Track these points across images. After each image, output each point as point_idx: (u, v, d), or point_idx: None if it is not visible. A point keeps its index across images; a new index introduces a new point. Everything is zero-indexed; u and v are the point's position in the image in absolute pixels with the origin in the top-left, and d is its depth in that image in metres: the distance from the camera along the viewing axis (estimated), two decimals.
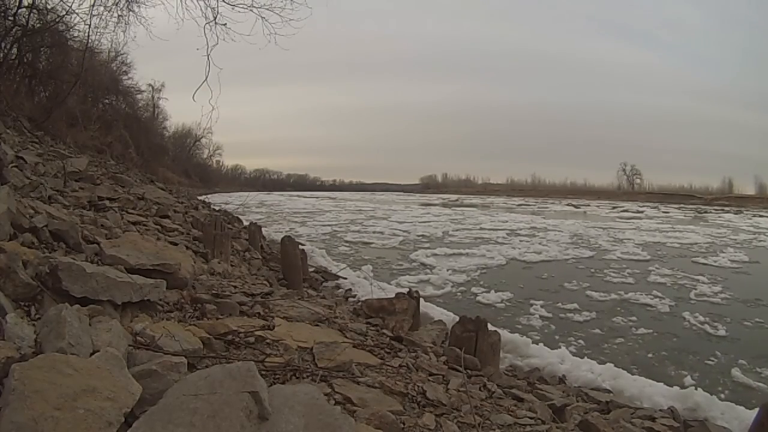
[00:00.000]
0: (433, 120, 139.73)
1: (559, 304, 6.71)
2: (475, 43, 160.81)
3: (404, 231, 16.00)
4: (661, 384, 3.80)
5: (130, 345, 1.75)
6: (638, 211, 31.88)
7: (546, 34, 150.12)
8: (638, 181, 68.73)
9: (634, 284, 8.18)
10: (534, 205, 39.56)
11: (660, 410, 3.25)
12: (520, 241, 13.72)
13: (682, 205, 44.03)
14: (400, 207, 32.68)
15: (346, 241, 13.28)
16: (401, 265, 9.78)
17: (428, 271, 9.00)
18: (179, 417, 1.16)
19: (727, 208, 39.49)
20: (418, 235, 14.86)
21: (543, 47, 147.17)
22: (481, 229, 17.26)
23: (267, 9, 7.47)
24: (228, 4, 7.55)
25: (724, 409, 3.32)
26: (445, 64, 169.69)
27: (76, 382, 1.19)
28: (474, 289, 7.58)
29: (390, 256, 10.86)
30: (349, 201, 41.15)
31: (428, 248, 11.86)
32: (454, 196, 60.72)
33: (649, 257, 11.15)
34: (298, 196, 52.93)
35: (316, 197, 49.95)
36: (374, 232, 15.58)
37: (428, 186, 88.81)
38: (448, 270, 8.85)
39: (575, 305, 6.60)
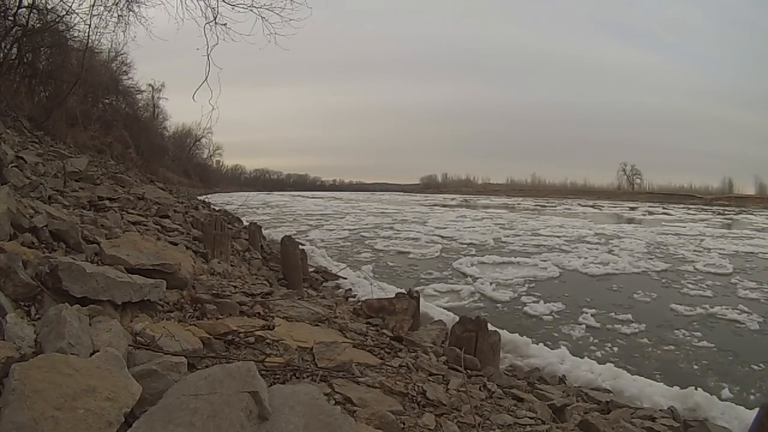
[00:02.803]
0: (433, 120, 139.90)
1: (612, 314, 6.23)
2: (475, 43, 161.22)
3: (445, 237, 13.99)
4: (661, 384, 3.80)
5: (130, 345, 1.75)
6: (664, 212, 30.52)
7: (546, 34, 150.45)
8: (638, 181, 68.87)
9: (713, 297, 7.37)
10: (556, 206, 37.58)
11: (660, 410, 3.25)
12: (588, 249, 12.08)
13: (683, 205, 43.86)
14: (423, 209, 30.06)
15: (377, 250, 11.77)
16: (430, 273, 8.86)
17: (469, 280, 8.17)
18: (179, 417, 1.16)
19: (729, 209, 39.32)
20: (465, 243, 12.86)
21: (543, 47, 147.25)
22: (535, 234, 15.18)
23: (267, 9, 7.49)
24: (228, 4, 7.56)
25: (724, 409, 3.32)
26: (445, 64, 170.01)
27: (76, 382, 1.19)
28: (514, 305, 6.79)
29: (430, 267, 9.61)
30: (361, 202, 38.92)
31: (474, 255, 10.66)
32: (459, 196, 59.63)
33: (731, 269, 9.64)
34: (302, 196, 51.34)
35: (321, 198, 48.82)
36: (407, 239, 13.66)
37: (428, 186, 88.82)
38: (491, 283, 7.85)
39: (628, 316, 6.12)
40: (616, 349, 5.13)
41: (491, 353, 3.51)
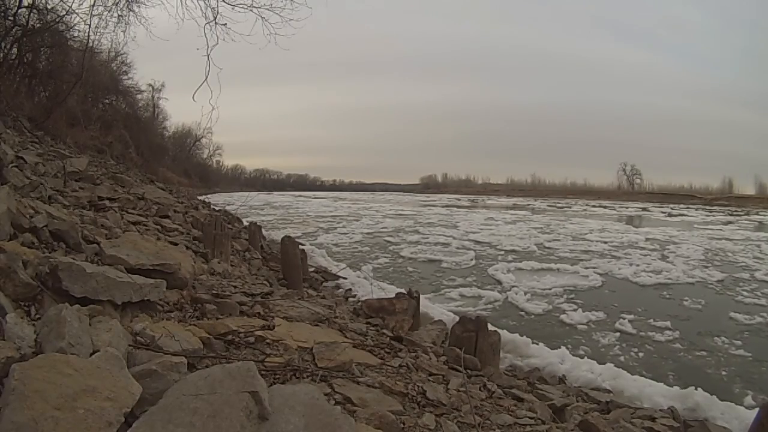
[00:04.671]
0: (433, 120, 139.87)
1: (651, 320, 5.89)
2: (475, 43, 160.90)
3: (480, 243, 12.76)
4: (661, 384, 3.80)
5: (130, 345, 1.75)
6: (681, 214, 29.48)
7: (546, 34, 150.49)
8: (638, 181, 68.80)
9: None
10: (571, 206, 36.49)
11: (660, 410, 3.25)
12: (643, 255, 11.08)
13: (684, 205, 43.73)
14: (442, 210, 28.58)
15: (403, 257, 10.67)
16: (453, 280, 8.21)
17: (505, 287, 7.66)
18: (179, 417, 1.16)
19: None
20: (505, 250, 11.65)
21: (543, 47, 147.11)
22: (577, 239, 13.97)
23: (267, 9, 7.48)
24: (228, 4, 7.55)
25: (724, 409, 3.32)
26: (445, 64, 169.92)
27: (76, 382, 1.19)
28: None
29: (465, 275, 8.73)
30: (370, 203, 37.37)
31: (510, 261, 9.89)
32: (463, 196, 58.74)
33: None
34: (306, 196, 49.89)
35: (325, 198, 48.08)
36: (437, 244, 12.45)
37: (428, 186, 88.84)
38: (526, 293, 7.23)
39: (667, 323, 5.76)
40: (642, 354, 4.96)
41: (491, 353, 3.51)
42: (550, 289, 7.66)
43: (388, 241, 13.09)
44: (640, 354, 4.99)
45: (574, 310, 6.44)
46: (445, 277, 8.63)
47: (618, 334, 5.55)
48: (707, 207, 42.43)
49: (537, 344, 4.56)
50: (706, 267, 9.87)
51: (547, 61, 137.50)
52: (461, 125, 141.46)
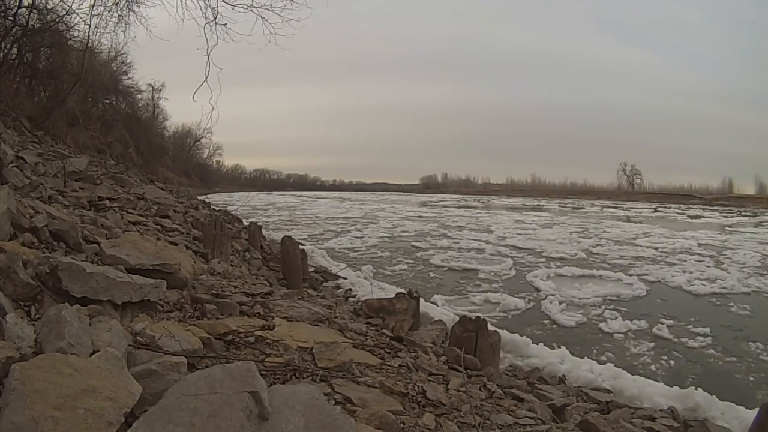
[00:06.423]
0: (433, 120, 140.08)
1: (690, 327, 5.59)
2: (475, 43, 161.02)
3: (517, 249, 11.84)
4: (661, 384, 3.79)
5: (130, 345, 1.75)
6: (698, 215, 28.50)
7: (546, 34, 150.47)
8: (638, 181, 68.94)
9: None
10: (584, 207, 35.72)
11: (660, 410, 3.24)
12: (697, 261, 10.38)
13: (685, 205, 43.73)
14: (460, 211, 27.29)
15: (433, 264, 9.74)
16: (477, 286, 7.68)
17: (542, 294, 7.13)
18: (179, 417, 1.16)
19: (727, 209, 39.22)
20: (550, 257, 10.69)
21: (543, 47, 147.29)
22: (622, 245, 12.98)
23: (267, 9, 7.50)
24: (228, 4, 7.56)
25: (724, 409, 3.31)
26: (445, 64, 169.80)
27: (76, 382, 1.19)
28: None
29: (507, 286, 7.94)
30: (382, 203, 36.18)
31: (550, 268, 9.18)
32: (470, 196, 58.33)
33: None
34: (308, 196, 49.63)
35: (329, 198, 47.73)
36: (470, 250, 11.47)
37: (428, 186, 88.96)
38: (561, 302, 6.67)
39: (706, 330, 5.50)
40: (672, 361, 4.80)
41: (491, 353, 3.51)
42: (588, 298, 7.06)
43: (415, 247, 12.04)
44: (671, 361, 4.81)
45: (614, 318, 6.05)
46: (472, 283, 8.10)
47: (653, 343, 5.30)
48: (708, 207, 42.48)
49: (537, 344, 4.53)
50: (763, 275, 9.15)
51: (548, 61, 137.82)
52: (461, 125, 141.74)
